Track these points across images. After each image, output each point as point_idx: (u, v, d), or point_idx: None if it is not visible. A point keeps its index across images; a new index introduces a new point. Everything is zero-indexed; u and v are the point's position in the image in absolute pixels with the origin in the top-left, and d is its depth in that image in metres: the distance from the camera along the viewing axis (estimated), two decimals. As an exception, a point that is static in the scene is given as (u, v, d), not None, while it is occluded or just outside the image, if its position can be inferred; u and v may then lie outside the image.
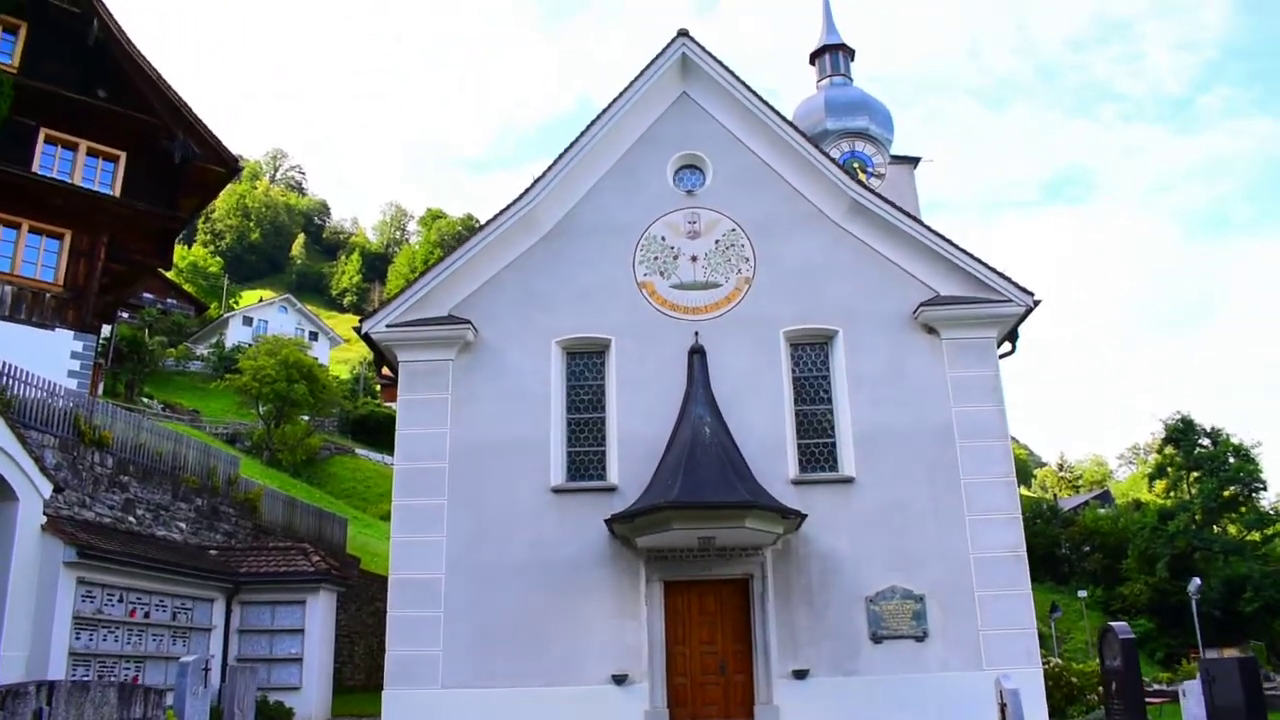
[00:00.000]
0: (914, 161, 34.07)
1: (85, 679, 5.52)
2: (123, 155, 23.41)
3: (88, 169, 22.98)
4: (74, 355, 21.59)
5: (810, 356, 18.32)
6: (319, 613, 18.19)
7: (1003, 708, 10.35)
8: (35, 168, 22.09)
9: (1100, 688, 18.00)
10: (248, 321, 79.66)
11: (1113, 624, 9.13)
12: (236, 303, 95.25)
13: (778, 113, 19.00)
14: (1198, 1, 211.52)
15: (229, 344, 70.91)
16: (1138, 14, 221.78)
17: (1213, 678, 7.28)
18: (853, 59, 34.99)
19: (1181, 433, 56.33)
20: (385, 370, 19.14)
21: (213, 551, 19.25)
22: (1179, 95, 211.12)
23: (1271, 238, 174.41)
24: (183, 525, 19.32)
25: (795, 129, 19.19)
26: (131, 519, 17.85)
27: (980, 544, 16.79)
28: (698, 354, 17.73)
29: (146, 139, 23.42)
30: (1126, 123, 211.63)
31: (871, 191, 19.00)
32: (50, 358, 20.62)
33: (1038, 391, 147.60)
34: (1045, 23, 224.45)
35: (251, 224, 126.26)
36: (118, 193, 23.07)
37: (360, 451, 56.48)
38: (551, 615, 16.64)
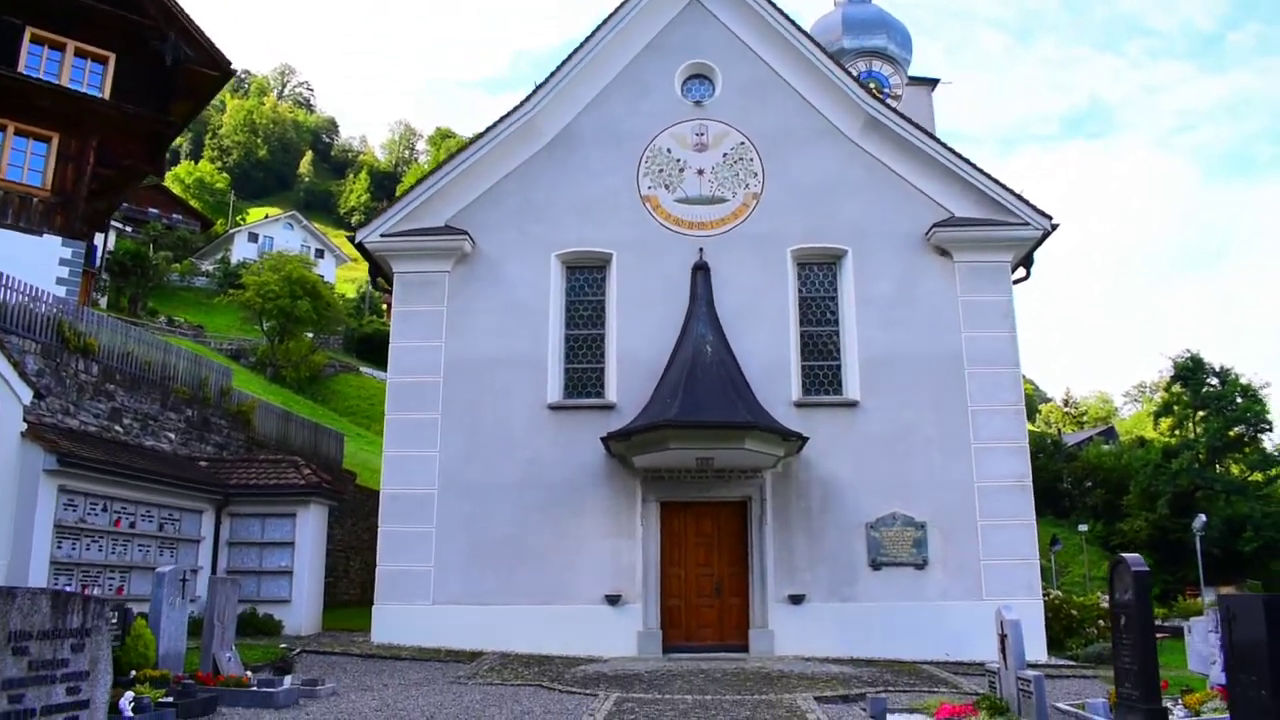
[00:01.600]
0: (932, 83, 33.09)
1: (13, 587, 5.14)
2: (112, 57, 22.56)
3: (76, 70, 22.15)
4: (63, 262, 21.01)
5: (817, 276, 17.75)
6: (309, 526, 17.92)
7: (1003, 639, 9.96)
8: (21, 68, 21.26)
9: (1099, 621, 17.82)
10: (253, 238, 78.89)
11: (1125, 555, 8.69)
12: (243, 219, 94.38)
13: (792, 21, 18.18)
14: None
15: (234, 260, 70.24)
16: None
17: (1233, 615, 6.83)
18: (872, -26, 33.76)
19: (1190, 371, 55.76)
20: (381, 280, 18.62)
21: (202, 463, 18.94)
22: (1209, 31, 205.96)
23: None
24: (172, 436, 18.97)
25: (810, 39, 18.35)
26: (118, 428, 17.48)
27: (985, 472, 16.44)
28: (701, 271, 17.16)
29: (137, 40, 22.56)
30: (1154, 59, 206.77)
31: (888, 107, 18.26)
32: (38, 264, 20.08)
33: (1045, 327, 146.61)
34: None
35: (259, 140, 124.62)
36: (107, 95, 22.26)
37: (365, 369, 56.13)
38: (545, 533, 16.37)
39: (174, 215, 72.55)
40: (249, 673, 11.42)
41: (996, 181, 17.32)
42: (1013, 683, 9.70)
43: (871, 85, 29.75)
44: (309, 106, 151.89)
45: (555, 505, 16.50)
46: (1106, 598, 18.58)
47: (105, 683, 5.77)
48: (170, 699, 9.28)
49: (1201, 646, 12.34)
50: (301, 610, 17.49)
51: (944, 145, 17.66)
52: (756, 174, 17.80)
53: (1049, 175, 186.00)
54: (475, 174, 17.78)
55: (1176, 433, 57.38)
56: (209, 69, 23.52)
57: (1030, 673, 9.37)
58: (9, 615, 5.02)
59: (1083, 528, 46.98)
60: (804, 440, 16.06)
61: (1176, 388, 57.12)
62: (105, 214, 25.91)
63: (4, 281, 16.40)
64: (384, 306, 73.24)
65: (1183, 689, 10.18)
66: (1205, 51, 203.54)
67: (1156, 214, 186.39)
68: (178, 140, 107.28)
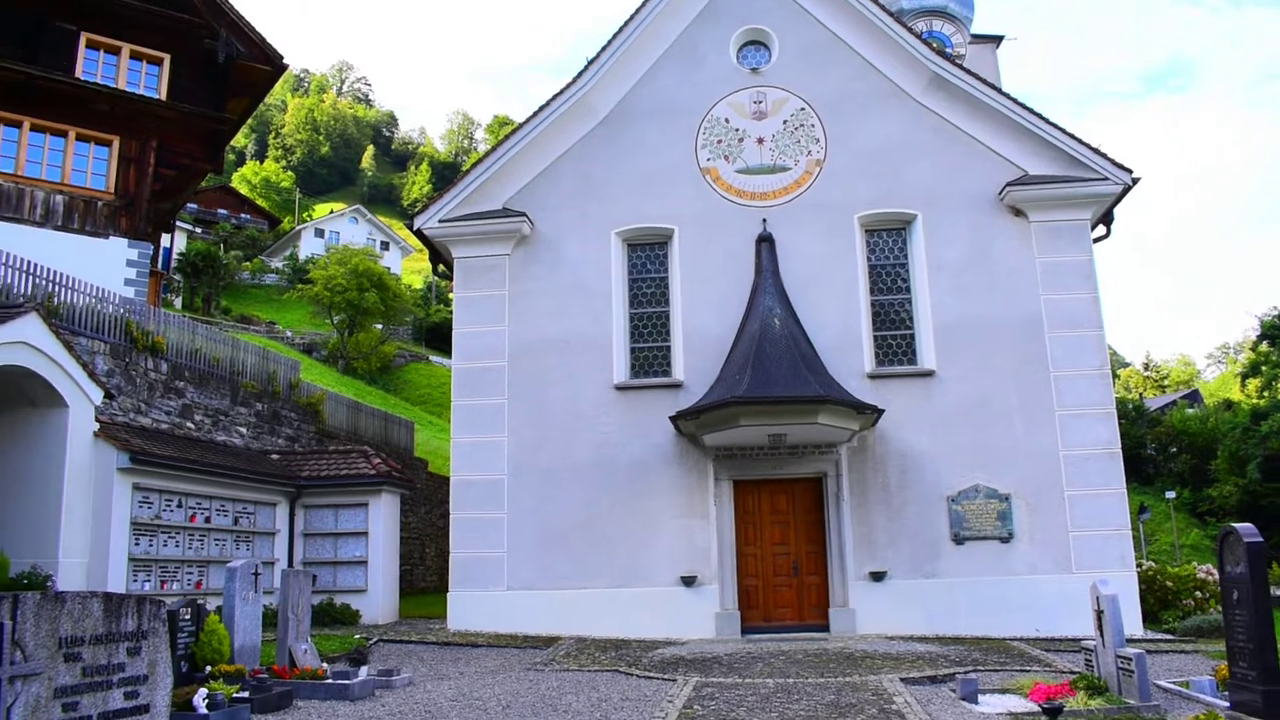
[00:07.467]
0: (996, 40, 31.96)
1: (61, 591, 4.94)
2: (166, 57, 22.69)
3: (132, 73, 22.32)
4: (129, 263, 21.21)
5: (887, 243, 17.17)
6: (382, 515, 17.88)
7: (1099, 614, 9.44)
8: (79, 73, 21.47)
9: (1197, 592, 17.03)
10: (320, 233, 79.77)
11: (1236, 525, 8.14)
12: (309, 216, 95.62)
13: (850, -20, 17.53)
14: None
15: (302, 256, 71.12)
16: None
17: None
18: (931, -70, 32.63)
19: (1278, 330, 53.62)
20: (442, 267, 18.49)
21: (274, 456, 19.01)
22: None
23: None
24: (243, 430, 19.07)
25: (869, -3, 17.69)
26: (190, 424, 17.59)
27: (1071, 440, 15.78)
28: (766, 242, 16.71)
29: (189, 40, 22.65)
30: (1236, 8, 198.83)
31: (953, 63, 17.56)
32: (106, 267, 20.30)
33: (1123, 289, 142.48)
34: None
35: (321, 138, 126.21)
36: (164, 96, 22.40)
37: (434, 359, 56.50)
38: (617, 516, 16.13)
39: (242, 215, 73.94)
40: (325, 664, 11.34)
41: (1072, 136, 16.57)
42: (1111, 660, 9.20)
43: (934, 45, 28.90)
44: (368, 101, 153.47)
45: (626, 487, 16.24)
46: (1203, 568, 17.87)
47: (166, 685, 5.59)
48: (245, 694, 9.18)
49: (1314, 616, 11.63)
50: (378, 599, 17.48)
51: (1014, 100, 16.92)
52: (819, 140, 17.26)
53: (1129, 133, 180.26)
54: (530, 155, 17.52)
55: (1265, 394, 55.37)
56: (261, 64, 23.55)
57: (1131, 650, 8.86)
58: (59, 621, 4.85)
59: (1171, 495, 45.52)
60: (879, 413, 15.56)
61: (1264, 347, 54.99)
62: (170, 214, 26.19)
63: (71, 284, 16.56)
64: (451, 296, 73.85)
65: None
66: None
67: (1241, 168, 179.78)
68: (242, 141, 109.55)
